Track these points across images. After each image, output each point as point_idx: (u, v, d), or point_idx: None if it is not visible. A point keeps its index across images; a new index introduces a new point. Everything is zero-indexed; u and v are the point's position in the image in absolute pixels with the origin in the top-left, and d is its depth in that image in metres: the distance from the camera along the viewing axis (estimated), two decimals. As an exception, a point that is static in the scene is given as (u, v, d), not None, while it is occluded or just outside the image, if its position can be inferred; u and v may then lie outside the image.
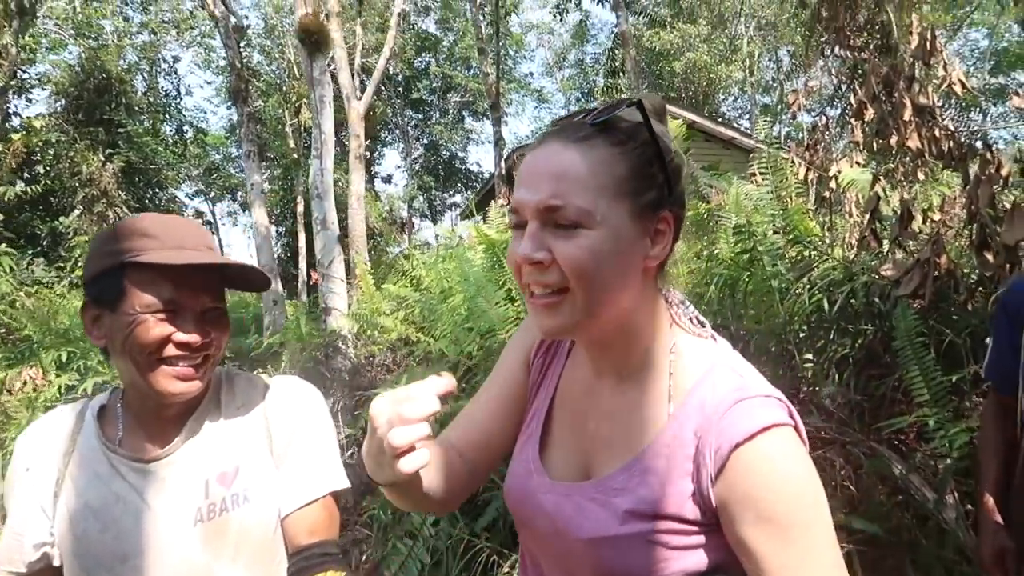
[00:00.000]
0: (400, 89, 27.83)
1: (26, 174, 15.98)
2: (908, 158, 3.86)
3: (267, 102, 22.22)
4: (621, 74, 20.00)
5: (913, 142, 3.44)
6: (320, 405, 1.37)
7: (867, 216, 3.77)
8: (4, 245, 10.14)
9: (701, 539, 0.87)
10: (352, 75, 13.16)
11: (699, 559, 0.87)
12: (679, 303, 1.01)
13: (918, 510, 2.41)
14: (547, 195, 0.86)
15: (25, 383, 6.44)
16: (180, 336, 1.15)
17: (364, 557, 3.98)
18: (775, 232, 3.78)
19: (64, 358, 6.16)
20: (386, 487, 0.96)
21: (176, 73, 24.45)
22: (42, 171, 16.22)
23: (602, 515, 0.91)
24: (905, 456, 2.73)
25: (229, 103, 20.26)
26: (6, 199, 13.24)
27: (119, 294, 1.14)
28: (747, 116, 27.65)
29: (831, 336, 3.24)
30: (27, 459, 1.23)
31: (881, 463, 2.54)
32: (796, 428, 0.86)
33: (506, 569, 2.74)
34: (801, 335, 3.30)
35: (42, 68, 18.16)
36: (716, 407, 0.87)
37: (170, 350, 1.15)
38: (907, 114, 3.57)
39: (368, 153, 24.72)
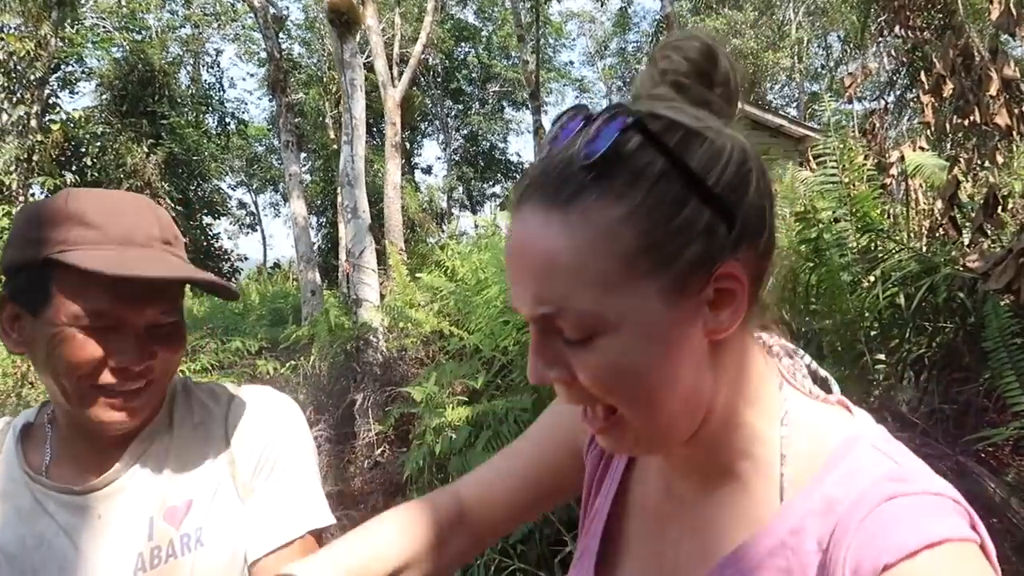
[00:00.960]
0: (439, 79, 27.70)
1: (74, 166, 16.21)
2: (992, 138, 3.50)
3: (308, 94, 22.25)
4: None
5: (1002, 119, 3.08)
6: (298, 422, 1.10)
7: (944, 203, 3.43)
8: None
9: None
10: (391, 64, 13.03)
11: None
12: (789, 354, 0.70)
13: (1018, 537, 2.09)
14: (533, 301, 0.58)
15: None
16: (117, 361, 0.89)
17: None
18: (836, 221, 3.45)
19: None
20: None
21: (219, 66, 24.75)
22: (89, 163, 16.42)
23: None
24: (997, 473, 2.41)
25: (270, 95, 20.33)
26: (47, 188, 13.40)
27: (42, 297, 0.88)
28: (795, 104, 26.93)
29: (906, 334, 2.91)
30: None
31: (972, 481, 2.22)
32: (983, 547, 0.55)
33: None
34: (872, 332, 2.97)
35: (90, 62, 18.39)
36: (856, 503, 0.56)
37: (105, 376, 0.89)
38: (994, 88, 3.21)
39: (407, 144, 24.71)
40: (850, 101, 7.05)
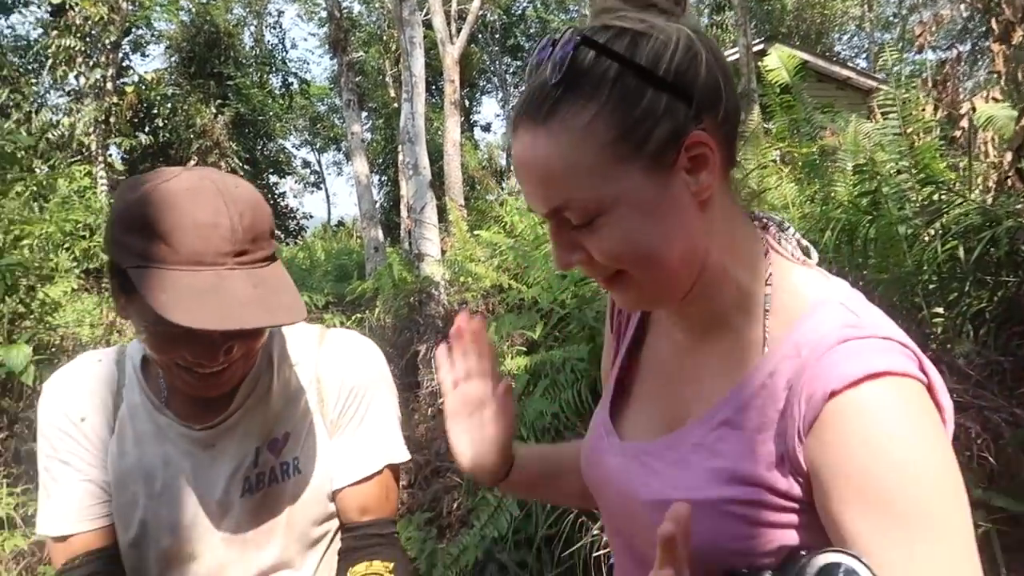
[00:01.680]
0: (497, 36, 27.46)
1: (147, 127, 16.78)
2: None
3: (368, 52, 22.39)
4: (727, 9, 19.01)
5: (1073, 66, 2.99)
6: (379, 366, 1.20)
7: (1012, 154, 3.35)
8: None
9: (788, 519, 0.68)
10: (449, 21, 13.02)
11: (782, 540, 0.68)
12: (776, 225, 0.81)
13: (1068, 486, 2.12)
14: (543, 202, 0.72)
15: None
16: (192, 358, 0.96)
17: (455, 505, 3.98)
18: (899, 172, 3.41)
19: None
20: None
21: (281, 26, 25.09)
22: (160, 124, 16.97)
23: (674, 475, 0.75)
24: (1053, 425, 2.41)
25: (331, 54, 20.56)
26: (123, 149, 13.95)
27: (127, 295, 0.96)
28: (864, 55, 25.83)
29: (966, 288, 2.89)
30: (79, 408, 1.09)
31: (1025, 432, 2.24)
32: (930, 387, 0.65)
33: (594, 531, 2.61)
34: (931, 287, 2.96)
35: (158, 26, 18.88)
36: (816, 346, 0.67)
37: (185, 360, 0.97)
38: (1065, 34, 3.10)
39: (466, 101, 24.68)
40: (921, 51, 6.79)
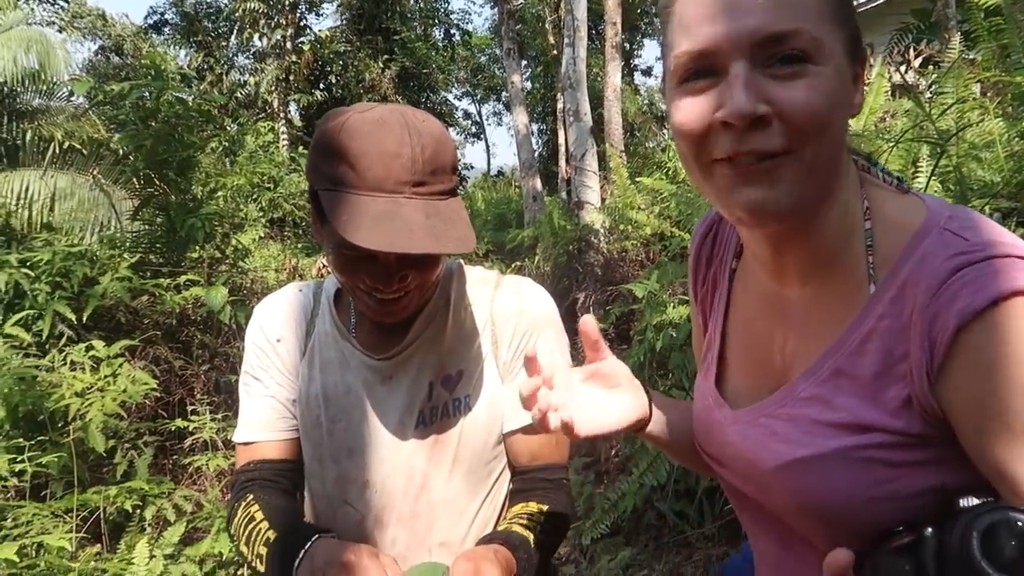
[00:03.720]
0: (662, -27, 26.36)
1: (321, 84, 17.76)
2: None
3: (528, -1, 22.25)
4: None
5: None
6: (552, 315, 1.21)
7: None
8: (301, 148, 11.41)
9: (930, 453, 0.66)
10: (611, -40, 12.61)
11: (929, 479, 0.66)
12: (864, 157, 0.77)
13: None
14: (769, 19, 0.62)
15: (319, 270, 7.28)
16: (371, 283, 1.03)
17: (613, 452, 3.99)
18: None
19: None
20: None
21: (443, -23, 25.43)
22: (333, 80, 17.88)
23: (792, 433, 0.72)
24: None
25: (492, 3, 20.64)
26: (301, 105, 14.85)
27: (321, 216, 1.02)
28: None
29: None
30: (277, 330, 1.20)
31: None
32: None
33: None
34: None
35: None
36: (928, 284, 0.63)
37: (366, 284, 1.04)
38: None
39: (627, 45, 24.02)
40: None
